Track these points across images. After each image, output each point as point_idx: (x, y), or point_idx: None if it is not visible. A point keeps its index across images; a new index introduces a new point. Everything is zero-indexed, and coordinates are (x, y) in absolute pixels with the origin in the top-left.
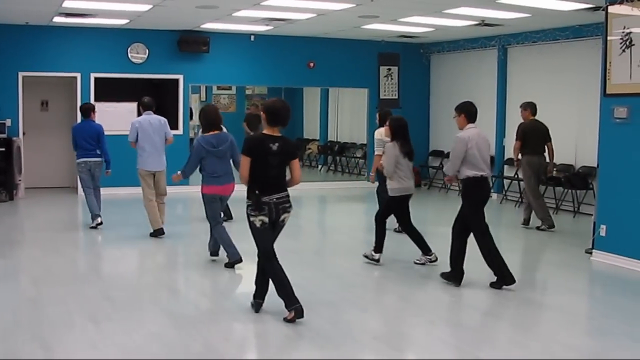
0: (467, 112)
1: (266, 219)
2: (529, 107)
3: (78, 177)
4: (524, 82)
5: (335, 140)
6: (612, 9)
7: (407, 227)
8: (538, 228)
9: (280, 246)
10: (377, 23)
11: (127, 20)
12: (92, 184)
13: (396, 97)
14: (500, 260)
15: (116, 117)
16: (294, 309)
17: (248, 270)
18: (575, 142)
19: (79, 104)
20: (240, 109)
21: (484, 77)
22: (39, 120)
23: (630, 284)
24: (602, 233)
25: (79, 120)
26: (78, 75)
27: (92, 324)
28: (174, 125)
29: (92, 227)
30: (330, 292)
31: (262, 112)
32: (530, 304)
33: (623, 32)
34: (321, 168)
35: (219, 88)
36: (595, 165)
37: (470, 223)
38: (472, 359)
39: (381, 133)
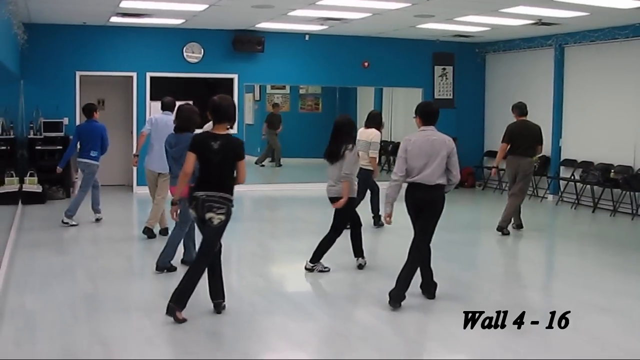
0: (422, 113)
1: (194, 213)
2: (518, 108)
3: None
4: (581, 82)
5: (389, 140)
6: None
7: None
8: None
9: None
10: (432, 22)
11: (183, 20)
12: (91, 184)
13: (451, 97)
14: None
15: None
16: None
17: (299, 268)
18: (634, 143)
19: (135, 103)
20: (294, 108)
21: (540, 77)
22: None
23: None
24: None
25: (134, 119)
26: (134, 74)
27: (148, 320)
28: None
29: (96, 220)
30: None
31: (208, 111)
32: (587, 307)
33: None
34: None
35: (272, 87)
36: None
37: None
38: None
39: (367, 134)
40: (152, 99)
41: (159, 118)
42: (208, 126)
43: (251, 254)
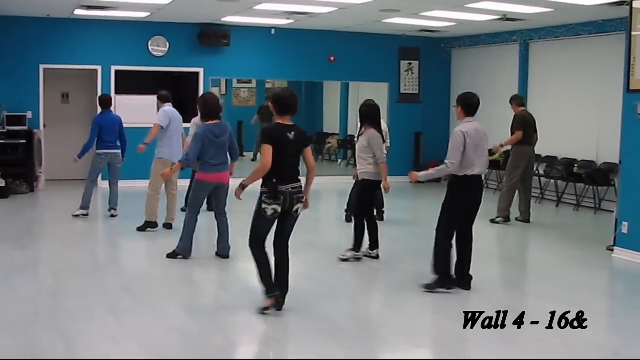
0: (465, 104)
1: (279, 209)
2: (518, 99)
3: (91, 166)
4: (545, 77)
5: (355, 134)
6: (636, 4)
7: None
8: (492, 221)
9: (300, 239)
10: (398, 17)
11: (148, 13)
12: (96, 177)
13: (417, 92)
14: (450, 263)
15: (136, 110)
16: (273, 296)
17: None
18: (597, 138)
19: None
20: (260, 103)
21: (505, 73)
22: (59, 112)
23: None
24: (624, 230)
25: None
26: (99, 68)
27: (112, 316)
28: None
29: (75, 216)
30: (349, 286)
31: (270, 103)
32: (550, 300)
33: None
34: (341, 162)
35: (239, 82)
36: (617, 161)
37: (440, 218)
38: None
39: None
40: (117, 92)
41: (172, 111)
42: (197, 120)
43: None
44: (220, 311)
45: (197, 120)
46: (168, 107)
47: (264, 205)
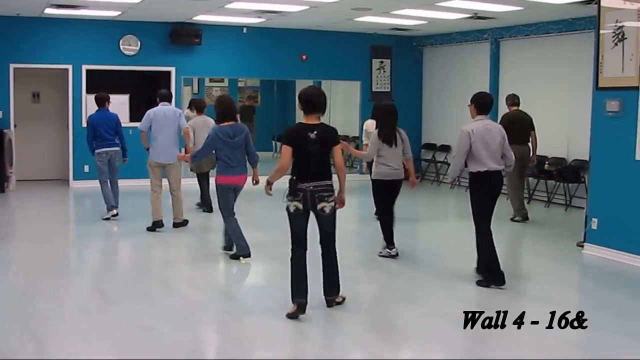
0: (478, 103)
1: (300, 206)
2: (510, 99)
3: (96, 167)
4: (516, 75)
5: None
6: (604, 3)
7: (384, 214)
8: (512, 219)
9: (272, 238)
10: (369, 15)
11: (119, 12)
12: (108, 175)
13: (388, 89)
14: (493, 260)
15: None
16: (297, 303)
17: (246, 265)
18: (567, 135)
19: (70, 96)
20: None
21: (476, 70)
22: (30, 112)
23: (621, 277)
24: (594, 226)
25: (70, 112)
26: (70, 67)
27: (83, 316)
28: None
29: (106, 219)
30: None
31: (298, 102)
32: (521, 297)
33: (615, 26)
34: None
35: (211, 80)
36: (587, 158)
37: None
38: (463, 357)
39: (367, 124)
40: (88, 92)
41: (157, 110)
42: (188, 112)
43: (189, 248)
44: (192, 311)
45: (188, 112)
46: (155, 108)
47: (287, 203)
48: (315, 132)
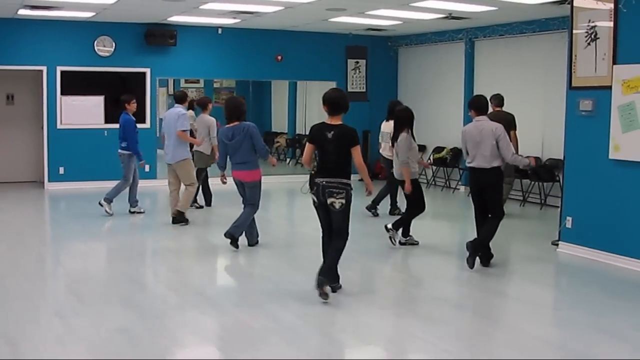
0: (474, 106)
1: (315, 199)
2: (493, 100)
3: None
4: (491, 75)
5: (303, 133)
6: (577, 3)
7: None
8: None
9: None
10: (344, 16)
11: (93, 13)
12: (129, 175)
13: (364, 90)
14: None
15: (83, 111)
16: (317, 287)
17: (221, 263)
18: (542, 134)
19: (45, 97)
20: None
21: (451, 70)
22: (4, 114)
23: (596, 275)
24: (568, 225)
25: (45, 113)
26: (44, 68)
27: (59, 319)
28: (141, 119)
29: (132, 212)
30: (298, 285)
31: (322, 104)
32: (496, 295)
33: (588, 26)
34: (289, 161)
35: (186, 81)
36: (562, 157)
37: None
38: (439, 357)
39: (385, 126)
40: (62, 93)
41: (167, 113)
42: (182, 109)
43: (165, 249)
44: (167, 311)
45: (190, 112)
46: (167, 111)
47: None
48: (332, 132)
